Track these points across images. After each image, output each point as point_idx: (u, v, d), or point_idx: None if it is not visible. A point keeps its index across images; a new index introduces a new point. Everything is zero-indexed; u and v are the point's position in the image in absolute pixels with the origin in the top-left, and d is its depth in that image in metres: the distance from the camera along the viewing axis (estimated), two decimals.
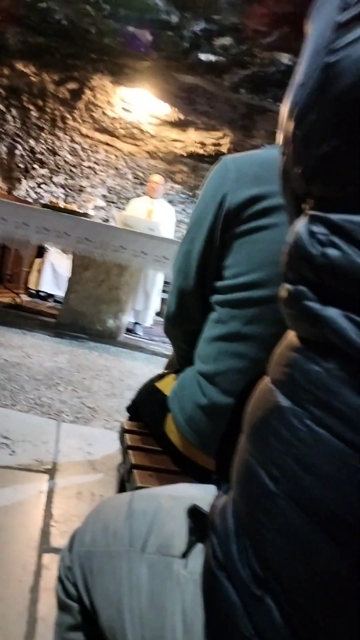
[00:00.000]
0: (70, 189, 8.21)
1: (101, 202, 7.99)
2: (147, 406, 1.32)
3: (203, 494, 0.62)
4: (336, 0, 0.39)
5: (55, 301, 6.70)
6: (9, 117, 7.51)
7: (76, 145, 7.94)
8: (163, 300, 5.72)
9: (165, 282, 5.75)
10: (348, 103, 0.36)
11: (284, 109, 0.45)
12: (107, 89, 6.99)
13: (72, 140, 7.88)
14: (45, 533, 1.45)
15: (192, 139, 7.65)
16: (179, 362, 1.31)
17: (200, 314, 1.13)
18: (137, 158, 8.11)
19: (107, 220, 7.60)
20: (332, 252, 0.37)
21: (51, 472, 1.83)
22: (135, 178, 8.30)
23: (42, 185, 8.07)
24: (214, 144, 7.64)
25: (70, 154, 8.00)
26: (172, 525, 0.57)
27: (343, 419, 0.36)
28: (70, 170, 8.11)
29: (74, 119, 7.63)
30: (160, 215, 5.40)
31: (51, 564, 1.32)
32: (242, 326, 1.01)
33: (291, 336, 0.44)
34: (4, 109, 7.42)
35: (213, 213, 1.03)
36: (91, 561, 0.63)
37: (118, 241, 4.28)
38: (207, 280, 1.09)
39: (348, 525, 0.35)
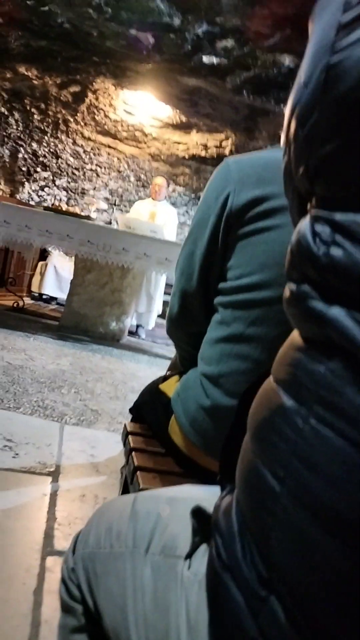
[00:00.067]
0: (72, 192, 8.23)
1: (104, 205, 8.01)
2: (150, 408, 1.31)
3: (207, 495, 0.62)
4: (339, 1, 0.39)
5: (58, 304, 6.72)
6: (11, 121, 7.54)
7: (78, 148, 7.96)
8: (165, 303, 5.72)
9: (168, 284, 5.76)
10: (350, 103, 0.36)
11: (288, 108, 0.45)
12: (109, 92, 7.02)
13: (75, 143, 7.91)
14: (48, 536, 1.45)
15: (195, 141, 7.67)
16: (182, 364, 1.31)
17: (204, 316, 1.13)
18: (139, 160, 8.13)
19: (109, 223, 7.62)
20: (335, 251, 0.37)
21: (54, 474, 1.83)
22: (137, 180, 8.31)
23: (45, 188, 8.10)
24: (217, 146, 7.66)
25: (73, 157, 8.02)
26: (176, 526, 0.57)
27: (347, 418, 0.36)
28: (73, 173, 8.13)
29: (77, 122, 7.66)
30: (163, 218, 5.41)
31: (55, 566, 1.32)
32: (246, 327, 1.00)
33: (295, 336, 0.44)
34: (7, 113, 7.45)
35: (216, 214, 1.03)
36: (95, 563, 0.63)
37: (121, 243, 4.29)
38: (210, 282, 1.09)
39: (353, 525, 0.35)
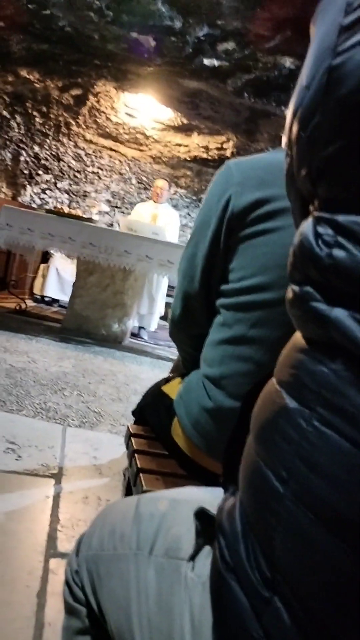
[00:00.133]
0: (74, 195, 8.24)
1: (105, 207, 8.01)
2: (153, 410, 1.32)
3: (210, 497, 0.62)
4: (340, 3, 0.39)
5: (60, 306, 6.72)
6: (13, 124, 7.56)
7: (80, 151, 7.97)
8: (168, 305, 5.72)
9: (170, 286, 5.76)
10: (352, 105, 0.36)
11: (289, 111, 0.45)
12: (110, 95, 7.03)
13: (76, 146, 7.92)
14: (51, 538, 1.45)
15: (196, 144, 7.68)
16: (185, 366, 1.31)
17: (206, 318, 1.13)
18: (141, 163, 8.14)
19: (111, 225, 7.63)
20: (338, 253, 0.37)
21: (57, 476, 1.83)
22: (139, 183, 8.32)
23: (47, 191, 8.11)
24: (218, 148, 7.66)
25: (75, 160, 8.03)
26: (180, 528, 0.57)
27: (350, 419, 0.36)
28: (75, 176, 8.14)
29: (78, 125, 7.67)
30: (165, 220, 5.42)
31: (58, 568, 1.32)
32: (248, 329, 1.01)
33: (297, 337, 0.44)
34: (9, 116, 7.46)
35: (217, 217, 1.03)
36: (98, 565, 0.63)
37: (122, 246, 4.30)
38: (212, 284, 1.10)
39: (356, 526, 0.35)
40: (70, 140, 7.86)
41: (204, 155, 7.84)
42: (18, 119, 7.53)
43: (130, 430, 1.33)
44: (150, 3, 4.72)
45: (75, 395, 2.85)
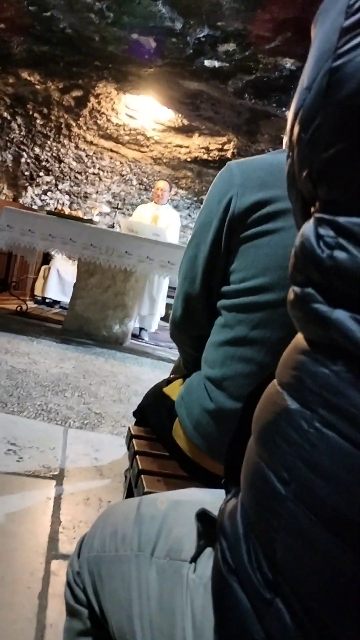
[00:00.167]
0: (75, 196, 8.26)
1: (106, 208, 8.02)
2: (154, 411, 1.32)
3: (211, 498, 0.62)
4: (341, 5, 0.39)
5: (61, 307, 6.73)
6: (14, 126, 7.57)
7: (81, 152, 7.98)
8: (168, 306, 5.72)
9: (171, 288, 5.77)
10: (353, 107, 0.36)
11: (291, 112, 0.45)
12: (111, 96, 7.04)
13: (77, 147, 7.93)
14: (53, 539, 1.45)
15: (197, 145, 7.68)
16: (186, 367, 1.31)
17: (207, 319, 1.13)
18: (141, 164, 8.15)
19: (112, 226, 7.63)
20: (339, 254, 0.37)
21: (58, 478, 1.83)
22: (140, 184, 8.33)
23: (48, 192, 8.12)
24: (219, 149, 7.67)
25: (75, 161, 8.04)
26: (181, 529, 0.57)
27: (351, 420, 0.36)
28: (75, 177, 8.16)
29: (79, 126, 7.68)
30: (166, 221, 5.42)
31: (59, 570, 1.32)
32: (249, 331, 1.01)
33: (299, 339, 0.44)
34: (10, 117, 7.48)
35: (218, 218, 1.03)
36: (100, 566, 0.63)
37: (123, 247, 4.30)
38: (213, 285, 1.10)
39: (356, 526, 0.35)
40: (71, 141, 7.87)
41: (205, 156, 7.85)
42: (19, 120, 7.54)
43: (132, 431, 1.33)
44: (151, 4, 4.72)
45: (76, 396, 2.85)
